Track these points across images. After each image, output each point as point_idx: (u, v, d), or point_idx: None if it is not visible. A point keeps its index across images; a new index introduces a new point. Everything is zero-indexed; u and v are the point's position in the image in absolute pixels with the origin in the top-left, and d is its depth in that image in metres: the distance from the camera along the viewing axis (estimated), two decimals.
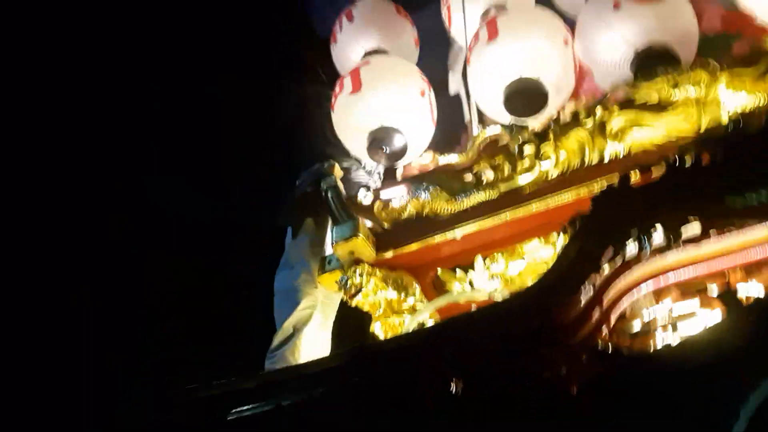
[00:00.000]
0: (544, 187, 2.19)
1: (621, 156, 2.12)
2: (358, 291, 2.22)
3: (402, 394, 1.87)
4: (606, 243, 1.77)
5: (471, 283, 2.26)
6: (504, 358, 1.84)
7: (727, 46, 2.57)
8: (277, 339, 2.35)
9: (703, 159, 1.71)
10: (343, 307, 2.57)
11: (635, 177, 1.79)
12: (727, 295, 1.68)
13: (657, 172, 1.78)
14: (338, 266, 2.36)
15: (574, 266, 1.76)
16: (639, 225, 1.75)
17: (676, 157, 1.75)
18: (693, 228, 1.71)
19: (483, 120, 2.64)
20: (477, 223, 2.23)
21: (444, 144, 2.70)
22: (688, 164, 1.71)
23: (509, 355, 1.84)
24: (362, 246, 2.27)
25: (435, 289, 2.33)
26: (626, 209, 1.77)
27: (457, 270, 2.29)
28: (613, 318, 2.02)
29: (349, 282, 2.23)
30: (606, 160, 2.14)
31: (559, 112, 2.22)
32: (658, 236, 1.73)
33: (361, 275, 2.24)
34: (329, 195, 2.47)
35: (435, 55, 3.29)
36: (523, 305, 1.77)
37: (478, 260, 2.25)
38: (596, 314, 1.96)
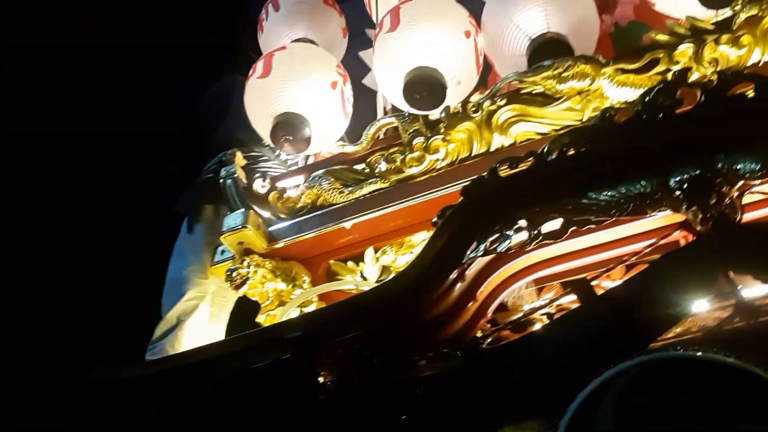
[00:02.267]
0: (433, 179, 2.17)
1: (506, 147, 2.10)
2: (245, 282, 2.18)
3: (271, 385, 1.85)
4: (471, 236, 1.76)
5: (362, 275, 2.23)
6: (372, 350, 1.83)
7: (638, 35, 2.57)
8: (159, 330, 2.30)
9: (568, 152, 1.70)
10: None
11: (504, 170, 1.77)
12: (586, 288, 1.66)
13: (525, 164, 1.77)
14: (231, 257, 2.33)
15: (437, 259, 1.74)
16: (504, 218, 1.74)
17: (543, 149, 1.73)
18: (555, 223, 1.70)
19: (389, 111, 2.61)
20: (367, 214, 2.21)
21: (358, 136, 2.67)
22: (552, 157, 1.69)
23: (377, 347, 1.82)
24: (252, 236, 2.23)
25: (328, 280, 2.31)
26: (493, 202, 1.76)
27: (349, 262, 2.26)
28: (490, 311, 2.04)
29: (235, 273, 2.19)
30: (492, 152, 2.12)
31: (448, 106, 2.20)
32: (522, 231, 1.72)
33: (248, 266, 2.20)
34: (226, 183, 2.43)
35: (365, 44, 3.26)
36: (384, 297, 1.74)
37: (369, 252, 2.22)
38: (472, 307, 1.98)
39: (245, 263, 2.21)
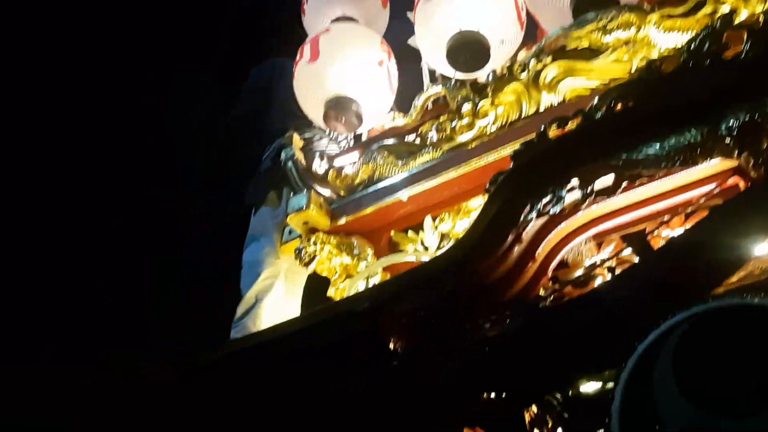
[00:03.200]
0: (484, 144, 2.20)
1: (556, 106, 2.10)
2: (312, 259, 2.29)
3: (344, 355, 1.95)
4: (525, 197, 1.79)
5: (423, 243, 2.30)
6: (437, 317, 1.90)
7: None
8: (240, 309, 2.45)
9: (615, 107, 1.69)
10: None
11: (553, 130, 1.79)
12: (644, 240, 1.67)
13: (573, 123, 1.77)
14: (298, 236, 2.44)
15: (492, 225, 1.78)
16: (556, 179, 1.76)
17: (590, 106, 1.73)
18: (608, 179, 1.71)
19: (435, 78, 2.64)
20: (423, 184, 2.26)
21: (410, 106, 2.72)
22: (600, 114, 1.70)
23: (442, 313, 1.89)
24: (315, 215, 2.34)
25: (390, 251, 2.39)
26: (544, 164, 1.78)
27: (409, 232, 2.33)
28: (550, 269, 2.07)
29: (303, 251, 2.30)
30: (542, 111, 2.13)
31: (495, 68, 2.21)
32: (575, 190, 1.74)
33: (314, 243, 2.31)
34: (288, 166, 2.53)
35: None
36: (444, 266, 1.81)
37: (427, 221, 2.28)
38: (531, 267, 2.02)
39: (311, 241, 2.32)
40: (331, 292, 2.32)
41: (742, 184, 1.73)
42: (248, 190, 2.76)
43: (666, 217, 1.78)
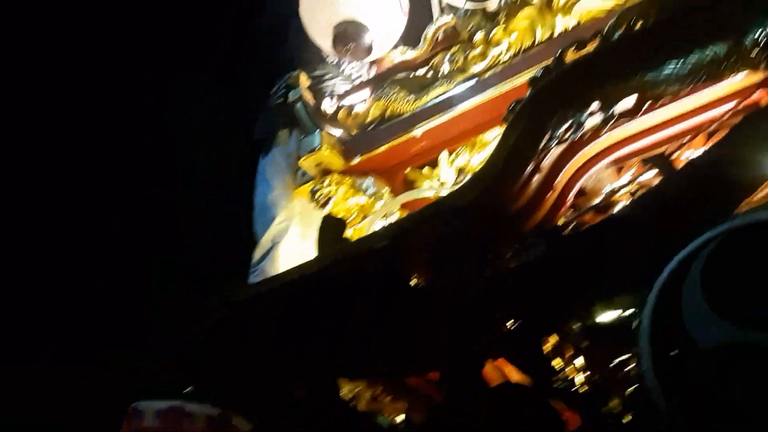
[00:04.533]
0: (499, 73, 2.15)
1: (571, 29, 2.04)
2: (328, 200, 2.27)
3: (368, 292, 1.96)
4: (544, 125, 1.75)
5: (439, 179, 2.28)
6: (459, 249, 1.89)
7: None
8: (257, 254, 2.45)
9: (635, 27, 1.64)
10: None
11: (571, 54, 1.74)
12: (666, 162, 1.64)
13: (591, 45, 1.72)
14: (311, 177, 2.42)
15: (512, 154, 1.76)
16: (575, 104, 1.72)
17: (609, 27, 1.68)
18: (629, 101, 1.67)
19: (444, 8, 2.56)
20: (436, 118, 2.22)
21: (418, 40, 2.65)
22: (619, 34, 1.64)
23: (464, 245, 1.89)
24: (328, 156, 2.31)
25: (406, 189, 2.37)
26: (562, 90, 1.73)
27: (425, 168, 2.30)
28: (570, 198, 2.05)
29: (319, 192, 2.28)
30: (557, 36, 2.07)
31: None
32: (595, 114, 1.70)
33: (329, 185, 2.29)
34: (296, 106, 2.49)
35: None
36: (465, 198, 1.79)
37: (443, 156, 2.25)
38: (551, 196, 2.00)
39: (326, 183, 2.30)
40: (348, 232, 2.31)
41: (765, 100, 1.69)
42: (256, 126, 2.72)
43: (687, 138, 1.76)
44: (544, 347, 1.86)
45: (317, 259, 2.10)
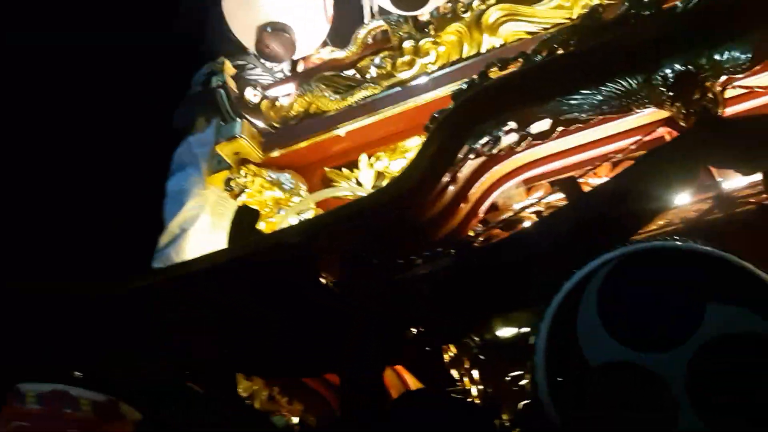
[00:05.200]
0: (425, 83, 2.18)
1: (497, 48, 2.10)
2: (242, 191, 2.24)
3: (274, 288, 1.94)
4: (464, 137, 1.79)
5: (358, 181, 2.29)
6: (370, 252, 1.90)
7: None
8: (164, 239, 2.38)
9: (557, 51, 1.70)
10: None
11: (494, 72, 1.79)
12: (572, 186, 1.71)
13: (514, 66, 1.78)
14: (228, 166, 2.37)
15: (431, 163, 1.78)
16: (495, 120, 1.77)
17: (532, 50, 1.74)
18: (544, 124, 1.74)
19: (376, 14, 2.58)
20: (360, 120, 2.23)
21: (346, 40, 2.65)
22: (541, 57, 1.70)
23: (375, 249, 1.90)
24: (247, 146, 2.27)
25: (324, 187, 2.36)
26: (483, 105, 1.78)
27: (344, 169, 2.30)
28: (482, 211, 2.11)
29: (233, 182, 2.24)
30: (483, 53, 2.12)
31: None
32: (512, 132, 1.76)
33: (245, 175, 2.25)
34: (219, 93, 2.44)
35: None
36: (380, 202, 1.80)
37: (363, 158, 2.26)
38: (465, 208, 2.05)
39: (242, 173, 2.26)
40: (261, 226, 2.28)
41: (668, 136, 1.80)
42: (176, 114, 2.64)
43: (593, 166, 1.84)
44: (444, 357, 1.91)
45: (226, 251, 2.05)
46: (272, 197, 2.28)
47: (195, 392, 2.32)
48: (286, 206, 2.29)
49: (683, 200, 1.59)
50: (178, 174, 2.47)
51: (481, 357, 1.81)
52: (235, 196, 2.25)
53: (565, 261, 1.51)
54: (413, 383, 2.18)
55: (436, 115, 1.83)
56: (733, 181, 1.68)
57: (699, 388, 1.23)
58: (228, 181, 2.26)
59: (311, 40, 2.49)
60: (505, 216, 2.08)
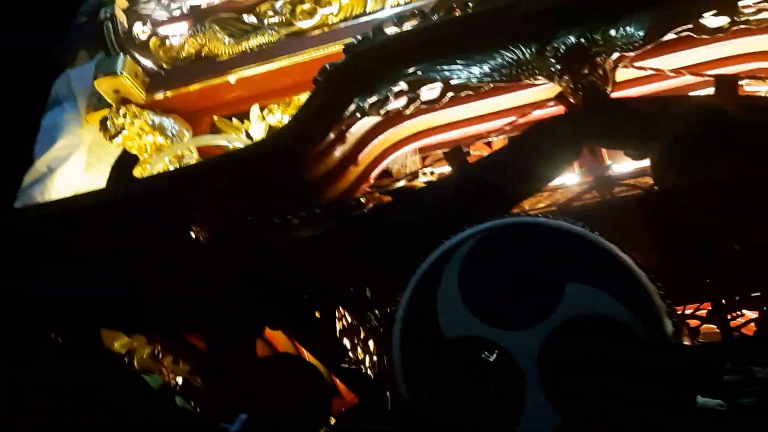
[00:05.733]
0: (325, 35, 2.06)
1: (402, 5, 2.00)
2: (119, 132, 2.07)
3: (145, 235, 1.80)
4: (351, 96, 1.69)
5: (248, 133, 2.15)
6: (246, 207, 1.79)
7: None
8: (29, 178, 2.18)
9: (454, 12, 1.62)
10: None
11: (390, 27, 1.69)
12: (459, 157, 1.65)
13: (410, 23, 1.69)
14: (108, 105, 2.19)
15: (316, 117, 1.68)
16: (385, 81, 1.67)
17: (429, 9, 1.65)
18: (435, 88, 1.66)
19: None
20: (254, 68, 2.09)
21: None
22: (437, 16, 1.62)
23: (252, 203, 1.79)
24: (128, 85, 2.09)
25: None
26: (376, 63, 1.68)
27: (234, 119, 2.16)
28: (373, 177, 2.03)
29: (110, 122, 2.07)
30: (386, 9, 2.02)
31: None
32: (403, 95, 1.67)
33: (124, 116, 2.08)
34: (105, 26, 2.24)
35: None
36: (260, 153, 1.69)
37: (254, 110, 2.12)
38: (354, 171, 1.96)
39: (121, 113, 2.09)
40: (138, 171, 2.11)
41: (559, 112, 1.75)
42: (58, 45, 2.40)
43: (486, 138, 1.79)
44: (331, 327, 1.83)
45: (91, 194, 1.89)
46: (153, 142, 2.12)
47: (58, 344, 2.17)
48: (167, 152, 2.14)
49: (564, 180, 1.56)
50: (53, 109, 2.26)
51: (381, 330, 1.76)
52: (111, 138, 2.07)
53: (441, 231, 1.46)
54: (288, 347, 2.10)
55: (327, 67, 1.73)
56: (619, 165, 1.66)
57: (549, 367, 1.20)
58: (104, 120, 2.08)
59: None
60: (398, 184, 2.01)
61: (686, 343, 1.16)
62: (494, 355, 1.19)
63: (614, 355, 1.12)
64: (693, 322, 1.48)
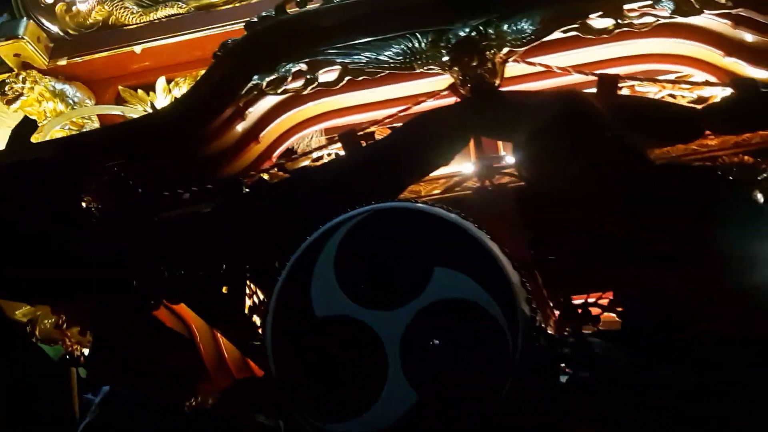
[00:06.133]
0: (236, 9, 2.05)
1: None
2: (17, 97, 2.00)
3: (28, 204, 1.75)
4: (250, 72, 1.69)
5: (153, 105, 2.12)
6: (134, 179, 1.77)
7: None
8: None
9: None
10: None
11: (291, 6, 1.69)
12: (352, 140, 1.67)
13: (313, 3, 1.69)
14: (10, 69, 2.12)
15: (213, 91, 1.67)
16: (284, 59, 1.68)
17: None
18: (333, 71, 1.67)
19: None
20: (161, 39, 2.06)
21: None
22: None
23: (140, 177, 1.76)
24: (29, 50, 2.03)
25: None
26: (276, 41, 1.68)
27: (139, 90, 2.12)
28: (276, 156, 2.03)
29: (8, 87, 2.00)
30: None
31: None
32: (301, 76, 1.68)
33: (23, 81, 2.02)
34: None
35: None
36: (154, 124, 1.67)
37: (160, 81, 2.09)
38: (254, 149, 1.96)
39: (20, 78, 2.02)
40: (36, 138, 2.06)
41: (447, 102, 1.77)
42: None
43: (383, 122, 1.81)
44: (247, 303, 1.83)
45: None
46: (53, 109, 2.06)
47: None
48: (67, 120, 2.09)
49: (449, 168, 1.60)
50: None
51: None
52: (9, 102, 2.01)
53: (328, 213, 1.47)
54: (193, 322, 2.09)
55: (228, 43, 1.72)
56: (506, 158, 1.71)
57: (411, 349, 1.24)
58: (1, 84, 2.01)
59: None
60: (303, 163, 2.02)
61: (542, 327, 1.22)
62: (361, 334, 1.22)
63: (468, 338, 1.17)
64: (595, 311, 1.57)
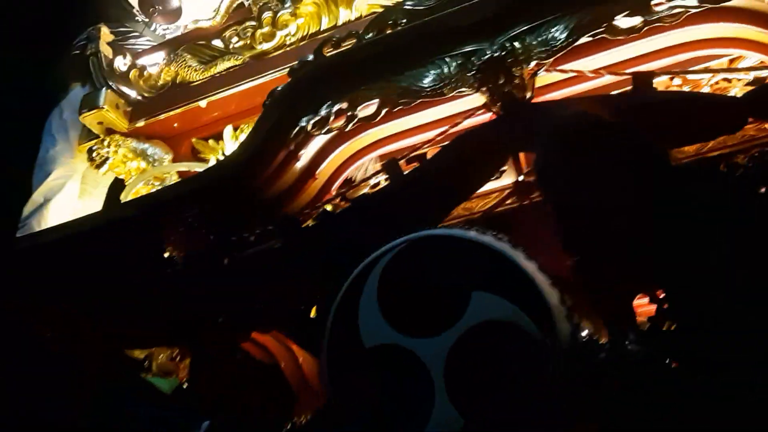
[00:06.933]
0: (285, 55, 2.16)
1: (353, 21, 2.08)
2: (104, 161, 2.22)
3: (116, 258, 1.94)
4: (297, 117, 1.79)
5: (224, 152, 2.28)
6: (206, 227, 1.91)
7: None
8: (27, 209, 2.36)
9: (386, 31, 1.70)
10: None
11: (329, 51, 1.78)
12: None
13: (346, 45, 1.77)
14: (97, 136, 2.35)
15: (265, 139, 1.78)
16: (326, 100, 1.76)
17: (363, 30, 1.73)
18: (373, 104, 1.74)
19: None
20: (223, 91, 2.21)
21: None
22: (369, 36, 1.70)
23: (211, 223, 1.91)
24: (110, 116, 2.25)
25: (192, 158, 2.36)
26: (317, 84, 1.77)
27: (210, 140, 2.29)
28: (335, 188, 2.12)
29: (95, 152, 2.23)
30: (340, 25, 2.10)
31: None
32: (343, 113, 1.75)
33: (108, 145, 2.24)
34: (91, 60, 2.40)
35: None
36: (214, 178, 1.81)
37: (227, 130, 2.25)
38: (313, 185, 2.06)
39: (105, 143, 2.25)
40: (123, 196, 2.27)
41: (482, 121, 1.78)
42: (53, 77, 2.58)
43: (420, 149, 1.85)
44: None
45: (74, 223, 2.05)
46: (137, 167, 2.27)
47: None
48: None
49: (488, 187, 1.62)
50: (48, 140, 2.44)
51: None
52: (98, 166, 2.23)
53: (376, 242, 1.54)
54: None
55: (275, 91, 1.83)
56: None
57: (454, 372, 1.28)
58: (90, 151, 2.24)
59: (200, 3, 2.42)
60: (352, 192, 2.09)
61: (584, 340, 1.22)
62: (407, 361, 1.28)
63: (508, 359, 1.20)
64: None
